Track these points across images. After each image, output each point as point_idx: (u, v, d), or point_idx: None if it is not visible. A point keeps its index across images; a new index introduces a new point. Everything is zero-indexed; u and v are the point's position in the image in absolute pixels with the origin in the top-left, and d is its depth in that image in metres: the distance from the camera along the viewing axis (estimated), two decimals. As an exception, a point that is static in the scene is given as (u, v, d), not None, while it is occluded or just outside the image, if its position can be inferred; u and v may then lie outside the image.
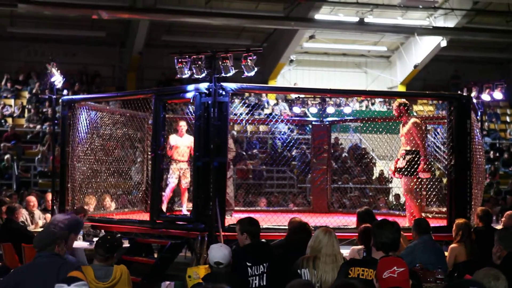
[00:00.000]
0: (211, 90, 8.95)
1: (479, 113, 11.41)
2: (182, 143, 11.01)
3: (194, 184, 9.42)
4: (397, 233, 5.02)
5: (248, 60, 8.92)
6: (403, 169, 10.02)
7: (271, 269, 6.05)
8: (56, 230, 5.65)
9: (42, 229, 8.74)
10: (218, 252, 5.66)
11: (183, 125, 11.13)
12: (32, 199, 11.48)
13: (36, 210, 11.43)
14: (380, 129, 14.28)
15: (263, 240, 6.58)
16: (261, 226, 6.56)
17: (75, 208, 10.32)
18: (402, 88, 26.21)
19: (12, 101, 21.75)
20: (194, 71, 9.03)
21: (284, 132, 17.45)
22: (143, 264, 9.39)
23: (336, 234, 8.60)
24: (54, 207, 11.02)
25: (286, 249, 6.53)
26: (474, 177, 9.85)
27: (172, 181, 10.94)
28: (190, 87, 9.26)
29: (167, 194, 10.81)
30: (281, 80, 25.78)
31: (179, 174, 11.00)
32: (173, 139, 10.99)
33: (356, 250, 7.21)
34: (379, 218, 11.06)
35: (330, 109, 13.88)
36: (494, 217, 11.49)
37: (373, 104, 25.03)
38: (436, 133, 12.31)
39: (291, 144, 14.50)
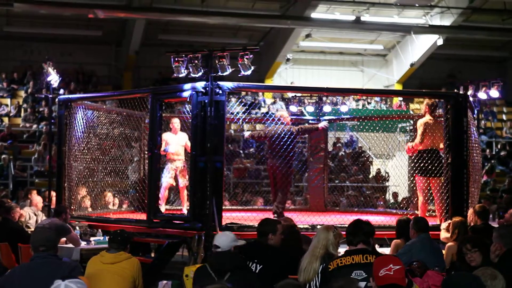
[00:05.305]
0: (207, 89, 8.93)
1: (476, 111, 11.41)
2: (177, 141, 10.93)
3: (191, 183, 9.41)
4: (370, 227, 5.52)
5: (245, 59, 8.91)
6: (416, 168, 10.16)
7: (265, 273, 6.01)
8: (52, 231, 5.72)
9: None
10: (219, 237, 5.85)
11: (176, 122, 11.07)
12: (38, 198, 11.37)
13: (40, 210, 11.33)
14: (377, 128, 14.31)
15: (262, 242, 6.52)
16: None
17: (55, 208, 10.19)
18: (398, 87, 26.25)
19: (8, 101, 21.73)
20: (191, 70, 9.02)
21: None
22: (140, 263, 9.36)
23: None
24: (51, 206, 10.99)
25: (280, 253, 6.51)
26: (470, 175, 9.87)
27: (165, 181, 10.75)
28: (187, 86, 9.24)
29: (162, 194, 10.72)
30: (277, 79, 25.80)
31: (174, 173, 10.91)
32: (167, 137, 10.79)
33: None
34: (376, 217, 11.14)
35: (327, 108, 13.88)
36: (490, 215, 11.49)
37: (369, 103, 25.05)
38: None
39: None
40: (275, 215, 10.13)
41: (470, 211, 8.93)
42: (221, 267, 5.51)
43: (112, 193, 12.06)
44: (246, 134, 11.57)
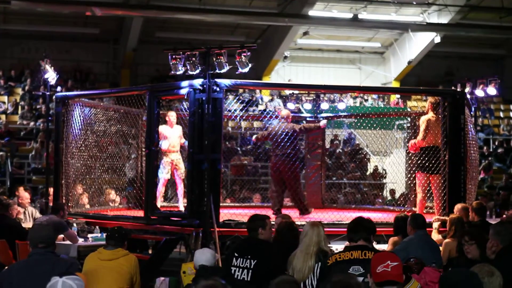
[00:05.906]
0: (205, 86, 8.94)
1: (473, 109, 11.44)
2: (173, 134, 10.91)
3: (188, 180, 9.42)
4: (371, 224, 5.65)
5: (242, 56, 8.92)
6: (418, 165, 10.19)
7: (259, 268, 6.02)
8: (50, 228, 5.72)
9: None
10: (201, 256, 5.83)
11: (172, 115, 11.05)
12: (26, 194, 11.35)
13: (28, 206, 11.32)
14: (374, 125, 14.32)
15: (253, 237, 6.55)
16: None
17: (52, 205, 10.19)
18: (396, 84, 26.25)
19: (5, 98, 21.67)
20: (188, 67, 9.01)
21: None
22: (137, 260, 9.37)
23: (330, 229, 8.63)
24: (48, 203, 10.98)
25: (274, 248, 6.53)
26: (468, 172, 9.89)
27: (163, 176, 10.70)
28: (184, 83, 9.24)
29: (159, 189, 10.71)
30: (275, 77, 25.78)
31: (170, 167, 10.90)
32: (163, 130, 10.70)
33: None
34: (374, 213, 11.15)
35: (324, 105, 13.87)
36: (487, 212, 11.51)
37: (366, 100, 25.05)
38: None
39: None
40: (303, 213, 10.51)
41: (457, 207, 8.87)
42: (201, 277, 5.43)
43: (115, 191, 12.08)
44: (254, 137, 11.57)
